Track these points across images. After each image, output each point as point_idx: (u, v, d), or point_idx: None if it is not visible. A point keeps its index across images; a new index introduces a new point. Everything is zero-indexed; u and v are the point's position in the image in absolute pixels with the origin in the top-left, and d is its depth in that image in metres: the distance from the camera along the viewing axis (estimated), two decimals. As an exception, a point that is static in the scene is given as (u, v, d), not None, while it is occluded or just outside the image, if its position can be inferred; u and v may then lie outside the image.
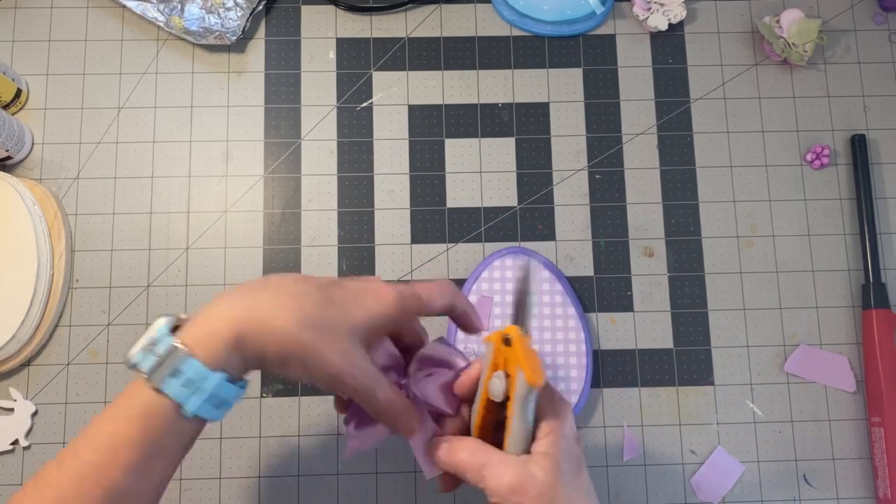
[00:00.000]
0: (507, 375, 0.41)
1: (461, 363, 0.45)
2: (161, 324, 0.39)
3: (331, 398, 0.62)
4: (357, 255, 0.64)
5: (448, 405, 0.44)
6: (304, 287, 0.40)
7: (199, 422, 0.39)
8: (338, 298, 0.40)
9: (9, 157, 0.63)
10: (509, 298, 0.62)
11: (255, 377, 0.62)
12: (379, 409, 0.41)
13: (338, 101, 0.67)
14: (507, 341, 0.41)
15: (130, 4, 0.65)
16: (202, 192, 0.65)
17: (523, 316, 0.43)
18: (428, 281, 0.44)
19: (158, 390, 0.37)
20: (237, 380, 0.39)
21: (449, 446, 0.42)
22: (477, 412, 0.43)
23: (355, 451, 0.45)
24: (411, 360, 0.45)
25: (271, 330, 0.38)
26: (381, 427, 0.44)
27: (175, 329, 0.39)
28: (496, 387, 0.41)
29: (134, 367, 0.38)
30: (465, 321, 0.46)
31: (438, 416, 0.45)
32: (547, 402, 0.42)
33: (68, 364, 0.62)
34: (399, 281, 0.64)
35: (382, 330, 0.42)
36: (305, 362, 0.39)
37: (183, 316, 0.40)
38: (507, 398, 0.41)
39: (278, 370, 0.40)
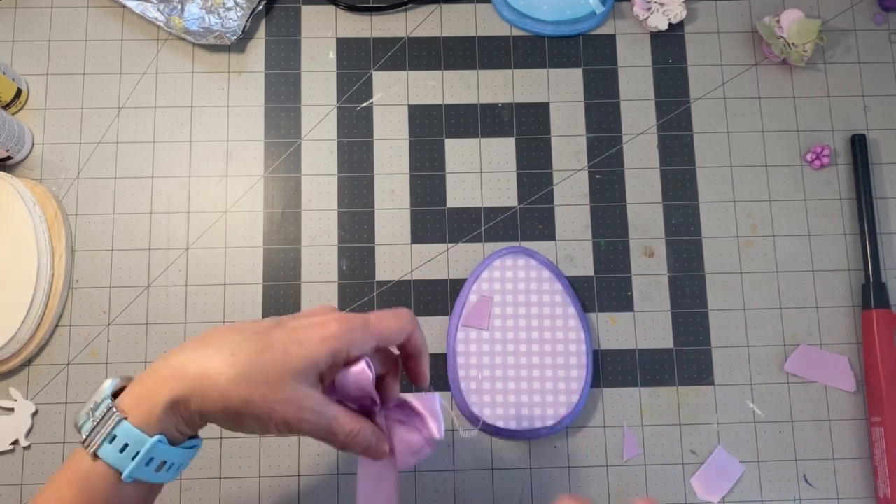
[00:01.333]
0: None
1: (434, 430, 0.43)
2: (105, 386, 0.38)
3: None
4: (357, 255, 0.64)
5: (398, 461, 0.44)
6: (241, 337, 0.39)
7: (146, 486, 0.38)
8: (277, 342, 0.39)
9: (9, 157, 0.63)
10: (510, 298, 0.62)
11: (255, 377, 0.62)
12: (343, 444, 0.41)
13: (338, 101, 0.67)
14: None
15: (130, 4, 0.65)
16: (202, 192, 0.65)
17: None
18: (386, 311, 0.42)
19: (95, 455, 0.37)
20: (182, 439, 0.39)
21: None
22: None
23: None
24: (410, 368, 0.44)
25: (207, 389, 0.37)
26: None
27: (120, 391, 0.38)
28: None
29: (78, 430, 0.38)
30: (415, 364, 0.44)
31: None
32: None
33: (68, 364, 0.62)
34: (399, 282, 0.64)
35: (333, 365, 0.40)
36: (254, 417, 0.38)
37: (138, 375, 0.39)
38: None
39: (233, 427, 0.39)
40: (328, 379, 0.41)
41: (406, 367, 0.44)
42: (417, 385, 0.45)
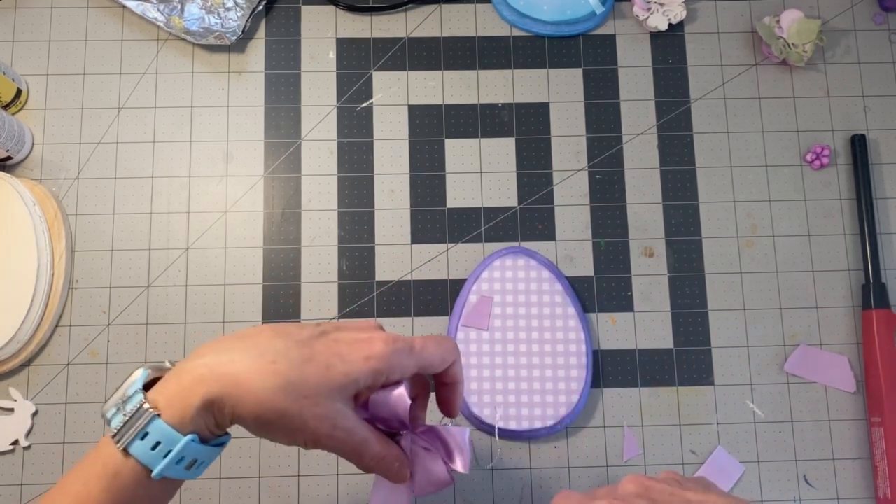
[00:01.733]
0: None
1: (460, 465, 0.42)
2: (136, 377, 0.38)
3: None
4: (357, 255, 0.64)
5: (416, 488, 0.43)
6: (284, 344, 0.38)
7: (172, 482, 0.38)
8: (320, 355, 0.38)
9: (9, 157, 0.63)
10: (510, 298, 0.62)
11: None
12: (366, 467, 0.40)
13: (338, 101, 0.67)
14: None
15: (130, 4, 0.65)
16: (202, 192, 0.65)
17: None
18: (431, 337, 0.41)
19: (126, 451, 0.36)
20: (212, 438, 0.38)
21: None
22: None
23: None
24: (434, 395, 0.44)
25: (244, 395, 0.36)
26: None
27: (153, 383, 0.38)
28: None
29: (107, 422, 0.37)
30: (450, 394, 0.43)
31: None
32: None
33: (68, 364, 0.62)
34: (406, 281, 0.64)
35: (371, 385, 0.39)
36: (285, 428, 0.37)
37: (167, 365, 0.39)
38: None
39: (259, 433, 0.38)
40: (363, 398, 0.40)
41: (438, 395, 0.43)
42: (447, 415, 0.44)
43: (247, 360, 0.37)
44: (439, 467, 0.42)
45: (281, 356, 0.37)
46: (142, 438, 0.36)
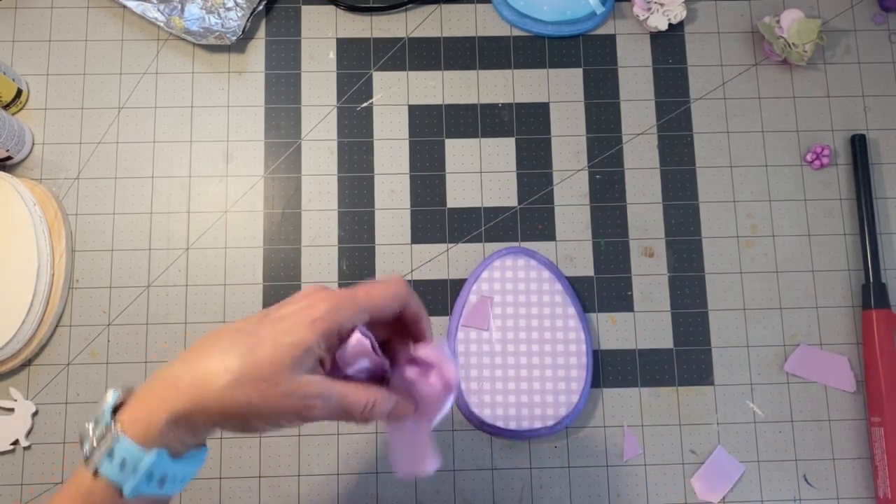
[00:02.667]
0: None
1: (449, 373, 0.42)
2: (107, 399, 0.38)
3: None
4: (357, 255, 0.64)
5: (425, 416, 0.43)
6: (230, 340, 0.38)
7: (150, 500, 0.38)
8: (265, 338, 0.38)
9: (9, 157, 0.63)
10: (510, 298, 0.62)
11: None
12: (363, 418, 0.40)
13: (338, 101, 0.67)
14: None
15: (130, 4, 0.65)
16: (202, 192, 0.65)
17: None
18: (377, 281, 0.41)
19: (96, 472, 0.36)
20: (187, 450, 0.38)
21: None
22: None
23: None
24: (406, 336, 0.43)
25: (206, 400, 0.37)
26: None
27: (121, 405, 0.38)
28: None
29: (80, 444, 0.37)
30: (415, 327, 0.43)
31: None
32: None
33: (68, 364, 0.62)
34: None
35: (329, 346, 0.39)
36: (260, 417, 0.37)
37: (138, 388, 0.39)
38: None
39: (243, 430, 0.38)
40: (329, 360, 0.40)
41: (409, 335, 0.43)
42: (424, 342, 0.44)
43: (199, 367, 0.37)
44: (434, 388, 0.42)
45: (228, 353, 0.37)
46: (109, 458, 0.36)
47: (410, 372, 0.43)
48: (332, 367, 0.41)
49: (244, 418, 0.37)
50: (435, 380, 0.42)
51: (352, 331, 0.40)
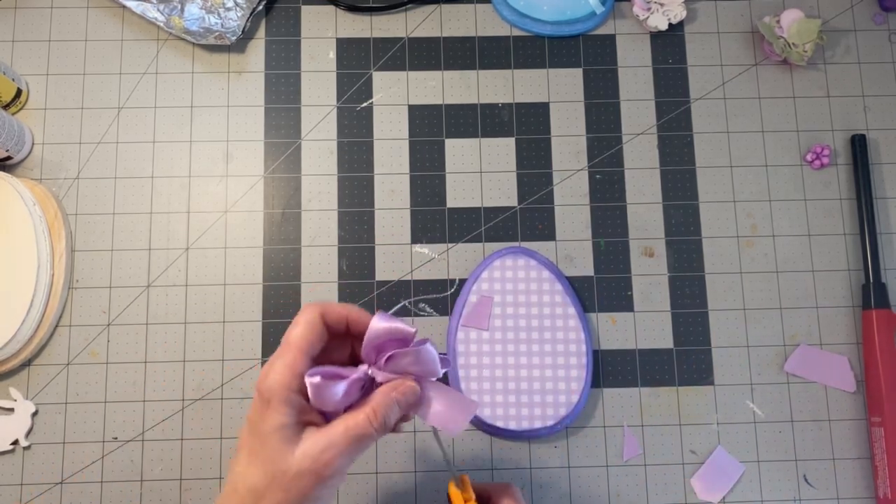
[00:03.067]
0: None
1: (409, 329, 0.41)
2: None
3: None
4: (357, 255, 0.64)
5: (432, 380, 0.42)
6: (243, 444, 0.39)
7: None
8: (256, 433, 0.38)
9: (9, 157, 0.63)
10: (510, 298, 0.62)
11: (254, 376, 0.62)
12: (383, 431, 0.39)
13: (338, 101, 0.67)
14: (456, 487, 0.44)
15: (130, 4, 0.65)
16: (202, 192, 0.65)
17: (455, 473, 0.45)
18: (292, 324, 0.40)
19: None
20: None
21: None
22: None
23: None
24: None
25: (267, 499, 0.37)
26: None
27: None
28: None
29: None
30: (356, 326, 0.41)
31: None
32: None
33: (68, 364, 0.62)
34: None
35: (298, 406, 0.39)
36: (307, 501, 0.38)
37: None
38: None
39: None
40: (317, 414, 0.40)
41: (357, 333, 0.42)
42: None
43: (236, 478, 0.39)
44: (405, 345, 0.41)
45: (248, 465, 0.38)
46: None
47: (381, 358, 0.41)
48: (327, 415, 0.40)
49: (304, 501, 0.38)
50: (403, 344, 0.41)
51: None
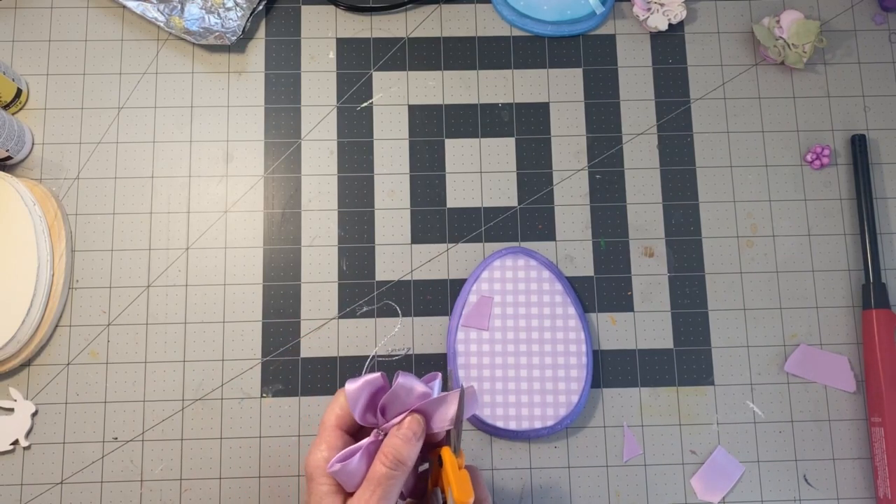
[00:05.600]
0: (442, 492, 0.44)
1: (375, 376, 0.44)
2: None
3: (323, 398, 0.62)
4: (357, 255, 0.64)
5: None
6: None
7: None
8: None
9: (9, 157, 0.63)
10: (510, 298, 0.62)
11: (254, 376, 0.62)
12: (404, 462, 0.42)
13: (338, 101, 0.67)
14: (440, 461, 0.43)
15: (130, 4, 0.65)
16: (202, 192, 0.65)
17: (455, 438, 0.45)
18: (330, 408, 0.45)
19: None
20: None
21: None
22: None
23: None
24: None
25: None
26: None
27: None
28: (433, 502, 0.44)
29: None
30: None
31: None
32: None
33: (68, 364, 0.62)
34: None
35: (328, 485, 0.43)
36: None
37: None
38: None
39: None
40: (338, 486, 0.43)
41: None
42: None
43: None
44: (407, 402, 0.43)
45: None
46: None
47: (378, 414, 0.44)
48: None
49: None
50: (385, 391, 0.44)
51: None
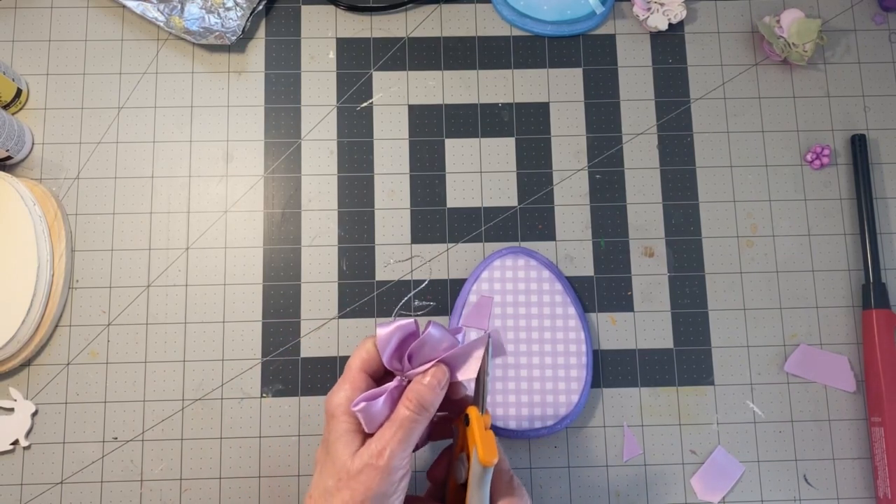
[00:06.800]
0: (467, 458, 0.44)
1: (408, 322, 0.45)
2: None
3: (323, 398, 0.62)
4: (357, 255, 0.64)
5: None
6: (321, 456, 0.45)
7: None
8: (325, 440, 0.45)
9: (9, 157, 0.63)
10: (510, 298, 0.62)
11: (254, 376, 0.62)
12: (427, 408, 0.43)
13: (338, 101, 0.67)
14: (467, 421, 0.44)
15: (130, 4, 0.65)
16: (202, 192, 0.65)
17: (481, 395, 0.45)
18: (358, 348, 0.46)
19: None
20: None
21: None
22: (448, 493, 0.46)
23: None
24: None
25: None
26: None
27: None
28: (458, 470, 0.44)
29: None
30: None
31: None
32: (506, 483, 0.45)
33: (68, 364, 0.62)
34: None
35: (350, 422, 0.44)
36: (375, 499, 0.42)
37: None
38: (465, 481, 0.44)
39: None
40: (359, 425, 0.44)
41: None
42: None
43: (340, 501, 0.43)
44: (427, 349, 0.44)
45: (324, 465, 0.45)
46: None
47: (404, 360, 0.45)
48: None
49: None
50: (415, 339, 0.44)
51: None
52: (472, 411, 0.44)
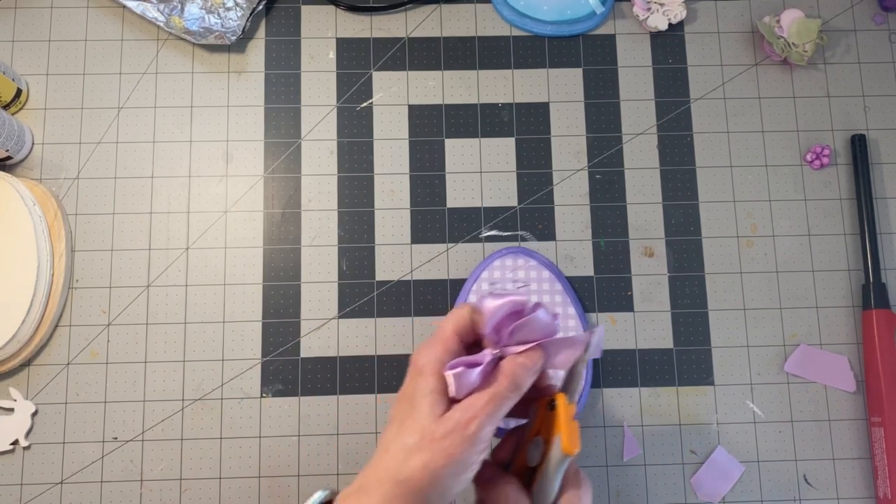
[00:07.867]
0: (544, 442, 0.43)
1: (522, 299, 0.44)
2: (315, 498, 0.42)
3: (323, 398, 0.62)
4: (357, 255, 0.64)
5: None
6: (400, 411, 0.42)
7: None
8: (407, 407, 0.42)
9: (9, 157, 0.63)
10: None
11: (254, 376, 0.62)
12: (520, 388, 0.42)
13: (338, 101, 0.67)
14: (551, 406, 0.43)
15: (130, 4, 0.65)
16: (202, 192, 0.65)
17: (573, 385, 0.44)
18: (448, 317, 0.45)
19: None
20: None
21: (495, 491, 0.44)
22: (512, 472, 0.45)
23: None
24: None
25: (399, 482, 0.39)
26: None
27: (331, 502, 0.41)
28: (532, 453, 0.44)
29: None
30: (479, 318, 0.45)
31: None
32: (574, 474, 0.44)
33: (68, 364, 0.62)
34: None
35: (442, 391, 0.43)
36: (451, 472, 0.40)
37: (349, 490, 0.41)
38: (538, 465, 0.43)
39: (453, 491, 0.41)
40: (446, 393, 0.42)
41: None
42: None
43: (420, 462, 0.40)
44: (518, 318, 0.43)
45: (425, 433, 0.41)
46: None
47: (503, 336, 0.44)
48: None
49: (436, 481, 0.40)
50: (519, 316, 0.43)
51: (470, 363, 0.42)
52: (561, 398, 0.43)
